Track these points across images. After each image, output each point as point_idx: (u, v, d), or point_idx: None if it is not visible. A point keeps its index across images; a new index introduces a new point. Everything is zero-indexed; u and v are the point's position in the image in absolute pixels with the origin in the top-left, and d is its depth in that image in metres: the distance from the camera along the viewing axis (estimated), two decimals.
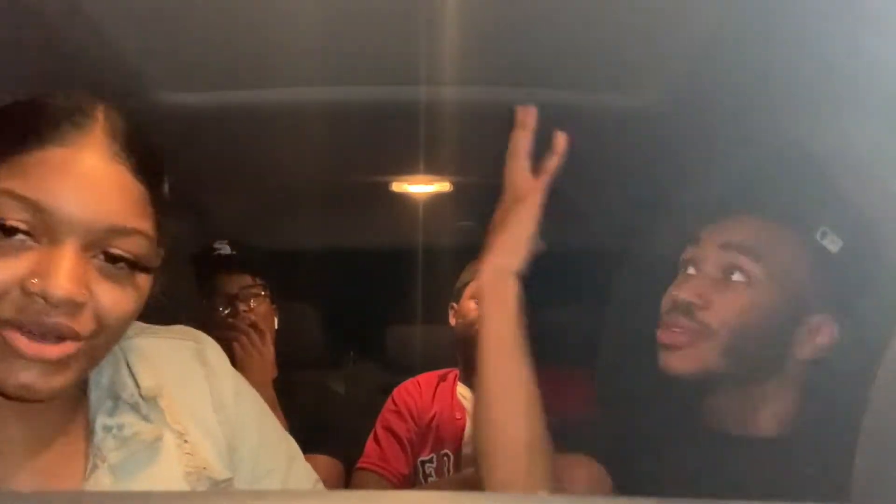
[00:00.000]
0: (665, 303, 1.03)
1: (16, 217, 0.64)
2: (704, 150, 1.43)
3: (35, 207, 0.64)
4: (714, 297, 0.97)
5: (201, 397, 0.81)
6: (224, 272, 1.75)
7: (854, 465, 0.45)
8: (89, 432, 0.74)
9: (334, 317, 2.43)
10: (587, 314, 2.00)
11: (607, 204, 1.97)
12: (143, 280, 0.71)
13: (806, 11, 0.94)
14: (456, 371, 1.98)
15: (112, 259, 0.67)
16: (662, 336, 1.00)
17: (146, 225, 0.69)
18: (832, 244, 0.96)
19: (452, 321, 1.99)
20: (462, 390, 1.94)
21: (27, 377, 0.65)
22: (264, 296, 1.78)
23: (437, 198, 2.03)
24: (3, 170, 0.65)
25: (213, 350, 0.85)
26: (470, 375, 1.95)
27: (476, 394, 0.97)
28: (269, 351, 1.76)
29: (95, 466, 0.72)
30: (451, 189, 1.96)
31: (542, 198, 1.06)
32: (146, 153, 0.71)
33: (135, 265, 0.69)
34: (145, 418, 0.76)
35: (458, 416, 1.89)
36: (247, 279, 1.76)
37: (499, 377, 1.01)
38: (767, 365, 0.97)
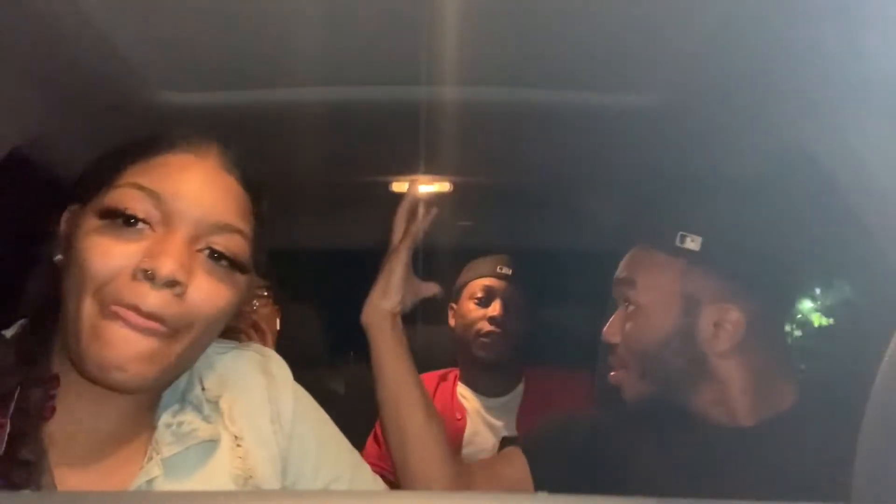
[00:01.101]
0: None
1: (138, 206, 0.72)
2: (705, 150, 1.43)
3: (156, 197, 0.72)
4: (625, 331, 1.10)
5: (260, 407, 0.84)
6: None
7: (854, 464, 0.45)
8: (154, 429, 0.78)
9: (334, 317, 2.43)
10: (587, 314, 2.00)
11: (607, 204, 1.97)
12: (241, 280, 0.78)
13: (806, 12, 0.94)
14: (456, 371, 1.98)
15: (214, 255, 0.75)
16: (611, 377, 1.13)
17: (246, 227, 0.79)
18: (693, 243, 1.06)
19: (452, 321, 1.99)
20: (462, 390, 1.94)
21: (118, 359, 0.69)
22: (267, 297, 1.78)
23: (437, 198, 2.03)
24: (132, 170, 0.75)
25: (276, 364, 0.90)
26: (470, 375, 1.95)
27: (380, 403, 1.23)
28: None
29: (150, 459, 0.75)
30: (451, 189, 1.96)
31: (407, 254, 1.30)
32: (249, 173, 0.83)
33: (234, 263, 0.76)
34: (206, 419, 0.79)
35: (458, 416, 1.89)
36: None
37: (393, 388, 1.25)
38: (691, 371, 1.05)
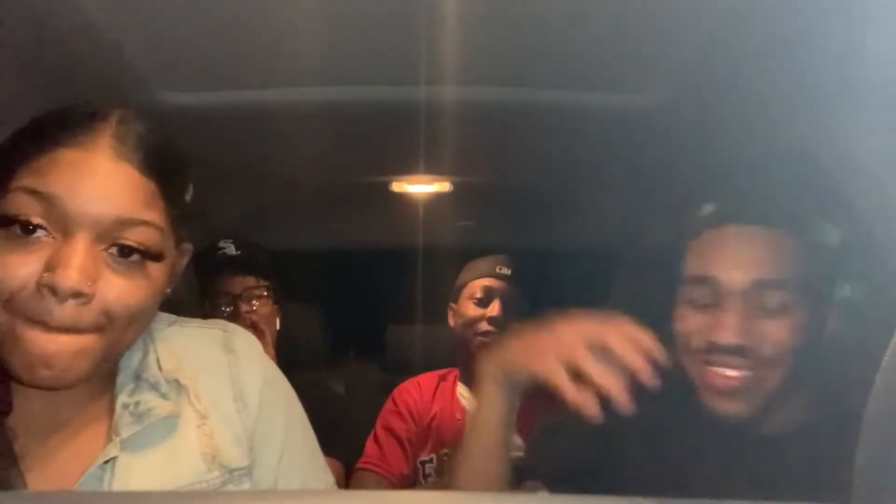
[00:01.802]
0: (693, 341, 0.98)
1: (32, 211, 0.69)
2: (706, 150, 1.43)
3: (48, 201, 0.68)
4: (757, 332, 0.93)
5: (222, 385, 0.82)
6: (228, 272, 1.75)
7: (854, 464, 0.45)
8: (113, 411, 0.77)
9: (334, 317, 2.43)
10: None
11: (607, 204, 1.97)
12: (156, 270, 0.74)
13: (807, 11, 0.94)
14: (456, 371, 1.98)
15: (123, 251, 0.71)
16: (710, 379, 0.95)
17: (155, 216, 0.73)
18: (832, 236, 0.96)
19: (451, 322, 1.99)
20: (462, 390, 1.94)
21: (47, 372, 0.68)
22: (267, 297, 1.77)
23: (437, 198, 2.03)
24: (22, 172, 0.70)
25: (242, 339, 0.87)
26: (470, 375, 1.95)
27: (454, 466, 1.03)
28: (269, 353, 1.76)
29: (110, 440, 0.74)
30: (451, 189, 1.96)
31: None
32: (156, 152, 0.75)
33: (146, 254, 0.72)
34: (163, 396, 0.78)
35: (458, 416, 1.89)
36: (250, 280, 1.76)
37: (488, 456, 1.04)
38: (806, 363, 0.95)
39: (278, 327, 1.80)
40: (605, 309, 1.26)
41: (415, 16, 1.03)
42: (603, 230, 2.05)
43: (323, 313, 2.31)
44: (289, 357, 1.89)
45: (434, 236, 2.17)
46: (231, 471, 0.79)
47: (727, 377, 0.94)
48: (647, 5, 1.01)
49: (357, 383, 2.33)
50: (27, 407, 0.73)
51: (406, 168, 1.83)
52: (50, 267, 0.68)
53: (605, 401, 1.08)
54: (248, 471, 0.80)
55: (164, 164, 0.76)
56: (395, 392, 1.96)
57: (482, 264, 1.96)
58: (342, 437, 1.75)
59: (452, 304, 1.99)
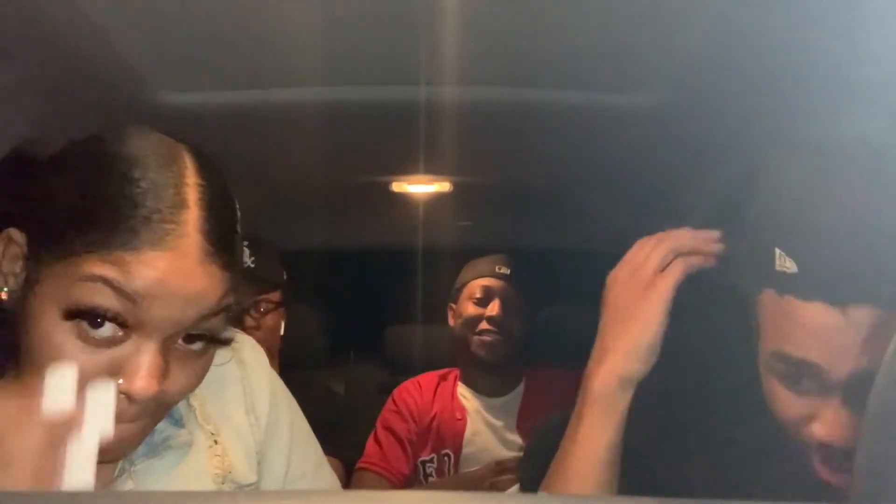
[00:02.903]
0: (799, 431, 0.81)
1: (108, 305, 0.63)
2: (706, 150, 1.43)
3: (131, 300, 0.63)
4: (846, 418, 0.76)
5: (235, 399, 0.81)
6: (242, 284, 1.72)
7: (854, 464, 0.45)
8: None
9: (334, 317, 2.43)
10: (587, 314, 2.00)
11: (607, 204, 1.97)
12: (214, 351, 0.72)
13: (806, 12, 0.94)
14: (456, 371, 1.98)
15: (191, 339, 0.69)
16: (825, 474, 0.80)
17: (227, 303, 0.70)
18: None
19: (451, 321, 1.99)
20: (462, 390, 1.94)
21: (104, 456, 0.65)
22: (276, 306, 1.75)
23: (437, 198, 2.03)
24: (93, 258, 0.63)
25: (250, 350, 0.86)
26: (470, 375, 1.95)
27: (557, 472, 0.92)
28: (273, 360, 1.76)
29: (123, 471, 0.73)
30: (451, 189, 1.96)
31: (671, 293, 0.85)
32: (232, 232, 0.71)
33: (212, 340, 0.70)
34: (177, 423, 0.77)
35: (458, 416, 1.89)
36: (261, 293, 1.72)
37: (584, 482, 0.90)
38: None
39: (282, 333, 1.79)
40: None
41: (415, 16, 1.03)
42: (603, 230, 2.05)
43: (323, 313, 2.31)
44: (289, 357, 1.90)
45: (434, 236, 2.17)
46: (242, 487, 0.79)
47: (836, 472, 0.79)
48: (647, 5, 1.01)
49: (357, 383, 2.33)
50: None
51: (406, 168, 1.83)
52: (123, 369, 0.64)
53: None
54: (256, 486, 0.80)
55: (239, 245, 0.72)
56: (396, 392, 1.96)
57: (481, 264, 1.96)
58: (342, 437, 1.75)
59: (452, 304, 1.99)
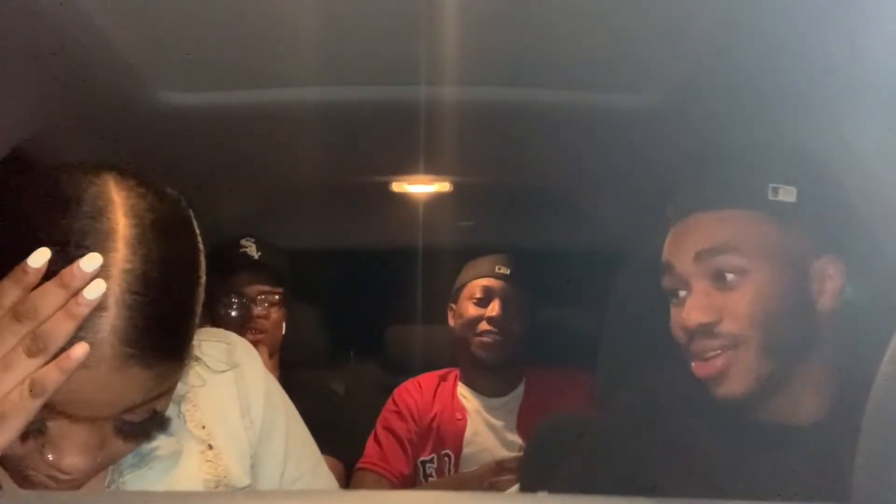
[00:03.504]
0: (678, 335, 0.98)
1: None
2: (705, 150, 1.43)
3: (46, 407, 0.59)
4: (723, 306, 0.93)
5: (229, 401, 0.81)
6: (246, 275, 1.75)
7: (854, 464, 0.45)
8: None
9: (334, 317, 2.43)
10: (587, 314, 2.00)
11: (607, 204, 1.97)
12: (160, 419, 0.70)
13: (807, 12, 0.94)
14: (456, 371, 1.98)
15: (127, 425, 0.65)
16: (699, 370, 0.95)
17: (165, 387, 0.65)
18: (787, 195, 0.94)
19: (451, 322, 1.99)
20: (463, 390, 1.94)
21: (61, 487, 0.66)
22: (279, 302, 1.78)
23: (437, 198, 2.03)
24: None
25: (244, 352, 0.85)
26: (470, 375, 1.95)
27: None
28: (274, 358, 1.77)
29: (112, 482, 0.73)
30: (451, 189, 1.96)
31: None
32: (167, 321, 0.62)
33: (151, 421, 0.67)
34: (165, 432, 0.75)
35: (458, 416, 1.89)
36: (266, 286, 1.76)
37: None
38: (805, 335, 0.93)
39: (283, 332, 1.81)
40: (604, 309, 1.26)
41: (415, 16, 1.03)
42: (603, 230, 2.05)
43: (323, 313, 2.31)
44: (289, 357, 1.90)
45: (434, 236, 2.17)
46: (235, 490, 0.78)
47: (707, 361, 0.93)
48: (647, 6, 1.01)
49: (357, 383, 2.33)
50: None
51: (406, 168, 1.83)
52: (52, 444, 0.62)
53: (609, 398, 1.07)
54: (251, 489, 0.80)
55: (176, 324, 0.64)
56: (396, 392, 1.96)
57: (481, 264, 1.96)
58: (342, 437, 1.75)
59: (452, 305, 1.99)
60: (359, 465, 1.85)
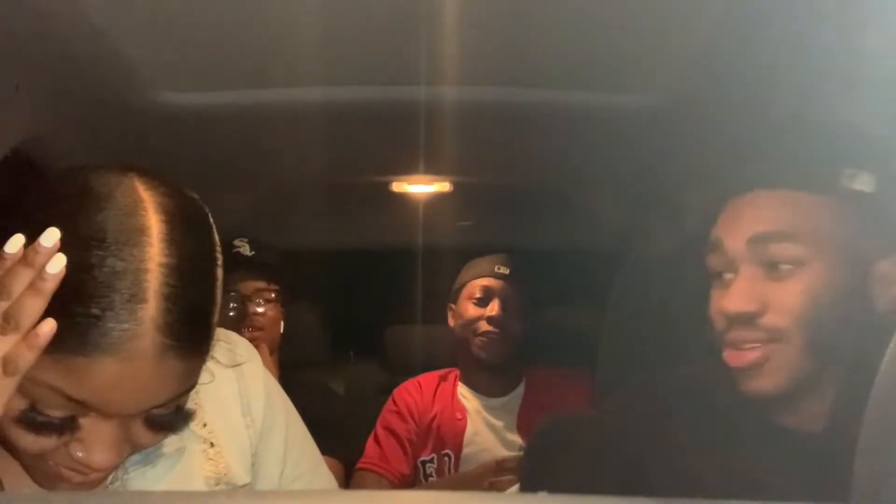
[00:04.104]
0: (717, 320, 0.91)
1: (59, 409, 0.62)
2: (705, 150, 1.43)
3: (81, 404, 0.62)
4: (770, 297, 0.85)
5: (231, 399, 0.81)
6: (241, 273, 1.76)
7: (854, 464, 0.45)
8: None
9: (334, 317, 2.43)
10: (587, 314, 2.00)
11: (607, 204, 1.97)
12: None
13: (806, 11, 0.94)
14: (456, 371, 1.98)
15: (153, 418, 0.67)
16: (732, 359, 0.88)
17: (192, 382, 0.67)
18: (865, 184, 0.85)
19: (451, 322, 1.99)
20: (463, 390, 1.94)
21: (77, 487, 0.67)
22: (275, 300, 1.79)
23: (437, 198, 2.03)
24: (43, 361, 0.59)
25: (244, 351, 0.85)
26: (470, 376, 1.95)
27: None
28: (273, 357, 1.78)
29: (116, 478, 0.73)
30: (451, 189, 1.96)
31: None
32: (201, 313, 0.65)
33: (175, 415, 0.69)
34: None
35: (458, 416, 1.89)
36: (262, 283, 1.78)
37: None
38: (853, 340, 0.84)
39: (281, 331, 1.81)
40: (604, 309, 1.26)
41: (415, 16, 1.03)
42: (603, 230, 2.05)
43: (323, 313, 2.31)
44: (289, 357, 1.90)
45: (434, 236, 2.17)
46: (236, 487, 0.79)
47: (742, 351, 0.87)
48: (647, 6, 1.01)
49: (357, 383, 2.33)
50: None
51: (406, 168, 1.83)
52: (81, 441, 0.64)
53: (611, 396, 1.07)
54: (250, 488, 0.81)
55: (205, 314, 0.66)
56: (396, 392, 1.96)
57: (481, 264, 1.96)
58: (342, 437, 1.75)
59: (452, 305, 1.99)
60: (359, 465, 1.85)
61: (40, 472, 0.67)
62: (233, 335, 0.87)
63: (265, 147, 1.62)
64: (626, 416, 1.08)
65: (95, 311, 0.59)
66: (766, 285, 0.86)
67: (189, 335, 0.63)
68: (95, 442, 0.64)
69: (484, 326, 1.87)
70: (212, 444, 0.78)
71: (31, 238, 0.60)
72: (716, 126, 1.32)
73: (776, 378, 0.85)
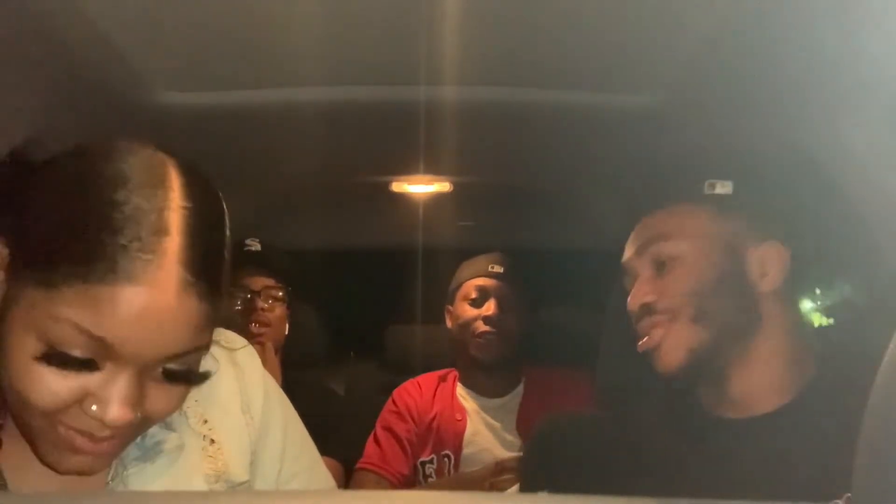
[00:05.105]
0: (631, 318, 1.08)
1: (79, 348, 0.63)
2: (705, 150, 1.43)
3: (101, 342, 0.62)
4: (661, 287, 1.04)
5: (231, 398, 0.82)
6: (251, 269, 1.79)
7: (854, 464, 0.45)
8: None
9: (334, 317, 2.43)
10: (587, 314, 2.00)
11: (607, 204, 1.97)
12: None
13: (806, 12, 0.94)
14: (456, 372, 1.98)
15: (170, 374, 0.68)
16: (642, 345, 1.05)
17: (207, 338, 0.69)
18: (724, 188, 1.04)
19: (448, 323, 1.99)
20: (462, 391, 1.94)
21: (78, 465, 0.67)
22: (282, 299, 1.82)
23: (437, 198, 2.03)
24: (68, 295, 0.61)
25: (243, 351, 0.86)
26: (469, 376, 1.95)
27: None
28: (277, 356, 1.78)
29: (116, 475, 0.74)
30: (451, 189, 1.96)
31: None
32: (216, 260, 0.68)
33: (189, 376, 0.69)
34: (168, 426, 0.77)
35: (458, 416, 1.89)
36: (271, 280, 1.81)
37: None
38: (742, 313, 1.00)
39: (286, 332, 1.82)
40: (604, 309, 1.26)
41: (415, 16, 1.03)
42: (603, 230, 2.05)
43: (323, 313, 2.31)
44: (290, 357, 1.90)
45: (434, 236, 2.17)
46: (235, 485, 0.79)
47: (648, 336, 1.03)
48: (647, 5, 1.01)
49: (357, 383, 2.33)
50: (23, 443, 0.71)
51: (406, 168, 1.83)
52: (97, 396, 0.64)
53: (608, 398, 1.08)
54: (249, 485, 0.81)
55: (219, 262, 0.68)
56: (395, 392, 1.96)
57: (475, 264, 1.96)
58: (342, 437, 1.75)
59: (449, 307, 1.99)
60: (359, 465, 1.85)
61: (50, 443, 0.67)
62: (232, 335, 0.87)
63: (265, 147, 1.62)
64: (625, 415, 1.10)
65: (122, 241, 0.62)
66: (658, 281, 1.04)
67: (207, 276, 0.65)
68: (111, 396, 0.64)
69: (481, 327, 1.87)
70: (212, 442, 0.79)
71: (62, 196, 0.65)
72: (715, 126, 1.32)
73: (676, 352, 1.01)
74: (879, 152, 1.09)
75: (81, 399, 0.64)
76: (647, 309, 1.04)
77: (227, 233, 0.71)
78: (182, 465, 0.76)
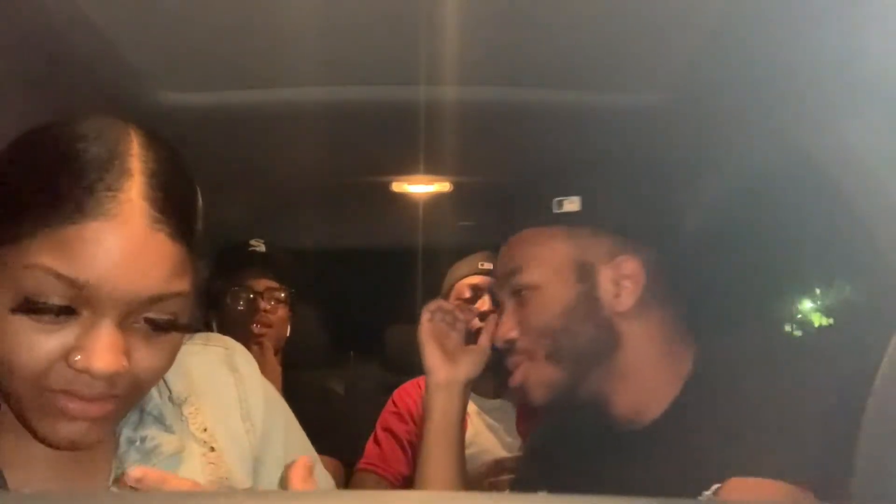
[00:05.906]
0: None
1: (55, 295, 0.62)
2: (705, 150, 1.43)
3: (75, 285, 0.62)
4: (522, 319, 1.03)
5: (230, 404, 0.82)
6: (256, 270, 1.80)
7: (855, 464, 0.45)
8: (116, 445, 0.75)
9: (334, 317, 2.43)
10: None
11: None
12: (180, 335, 0.71)
13: (806, 12, 0.94)
14: None
15: (153, 323, 0.67)
16: (511, 381, 1.05)
17: (185, 284, 0.68)
18: (571, 204, 1.03)
19: None
20: None
21: (72, 433, 0.66)
22: (285, 301, 1.82)
23: (437, 198, 2.03)
24: (36, 242, 0.62)
25: (242, 357, 0.86)
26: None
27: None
28: (277, 357, 1.78)
29: (115, 478, 0.73)
30: (451, 189, 1.96)
31: None
32: (184, 204, 0.68)
33: (175, 325, 0.69)
34: (168, 429, 0.76)
35: None
36: (274, 282, 1.81)
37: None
38: (599, 341, 1.00)
39: (288, 334, 1.83)
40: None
41: (415, 16, 1.03)
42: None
43: (323, 313, 2.31)
44: (289, 357, 1.90)
45: (434, 236, 2.17)
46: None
47: (514, 375, 1.04)
48: (647, 5, 1.01)
49: (357, 383, 2.33)
50: (22, 437, 0.70)
51: (406, 168, 1.83)
52: (80, 347, 0.64)
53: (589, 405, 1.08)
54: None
55: (191, 214, 0.69)
56: (396, 393, 1.96)
57: (464, 265, 1.95)
58: (342, 437, 1.75)
59: None
60: (359, 465, 1.85)
61: (41, 412, 0.66)
62: (230, 341, 0.87)
63: (265, 147, 1.62)
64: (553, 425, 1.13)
65: (86, 183, 0.63)
66: (520, 313, 1.03)
67: (175, 213, 0.66)
68: (94, 344, 0.64)
69: (477, 324, 1.87)
70: (212, 449, 0.78)
71: (22, 155, 0.67)
72: (717, 126, 1.32)
73: (537, 391, 1.02)
74: (880, 152, 1.09)
75: (66, 354, 0.64)
76: (511, 346, 1.04)
77: (196, 187, 0.72)
78: (183, 472, 0.76)
